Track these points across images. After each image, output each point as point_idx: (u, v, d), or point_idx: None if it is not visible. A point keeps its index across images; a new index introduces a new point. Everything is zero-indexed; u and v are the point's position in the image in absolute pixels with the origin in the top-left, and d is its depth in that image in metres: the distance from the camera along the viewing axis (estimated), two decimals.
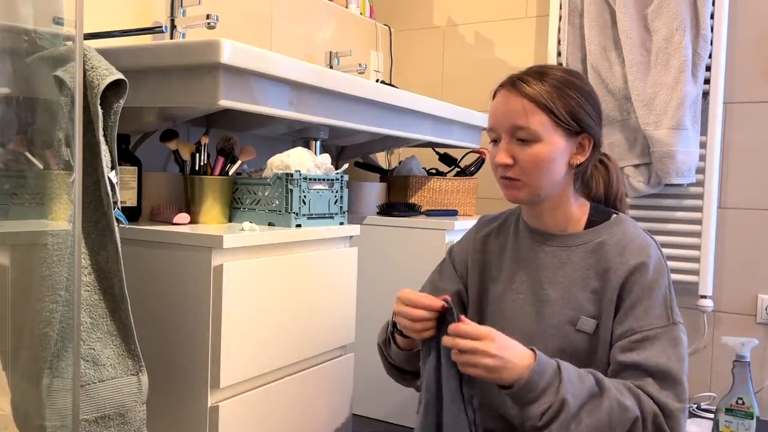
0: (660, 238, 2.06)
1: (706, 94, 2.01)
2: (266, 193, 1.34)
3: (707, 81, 2.00)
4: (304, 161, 1.34)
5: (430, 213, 1.96)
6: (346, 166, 1.51)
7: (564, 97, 1.05)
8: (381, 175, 2.18)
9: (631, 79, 1.99)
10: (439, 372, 1.02)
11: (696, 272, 2.03)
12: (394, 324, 1.15)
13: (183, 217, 1.29)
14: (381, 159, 2.54)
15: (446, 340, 0.98)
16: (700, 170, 2.02)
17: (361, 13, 2.45)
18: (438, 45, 2.56)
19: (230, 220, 1.39)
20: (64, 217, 0.93)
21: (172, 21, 1.60)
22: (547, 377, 0.95)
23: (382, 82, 2.47)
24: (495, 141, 1.10)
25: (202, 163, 1.35)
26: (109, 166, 0.98)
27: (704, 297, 2.01)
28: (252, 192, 1.36)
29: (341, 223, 1.42)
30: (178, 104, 1.20)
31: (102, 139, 0.97)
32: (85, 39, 0.97)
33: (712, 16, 1.97)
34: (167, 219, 1.29)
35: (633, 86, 1.99)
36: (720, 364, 2.06)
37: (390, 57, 2.61)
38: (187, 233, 1.16)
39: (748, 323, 2.02)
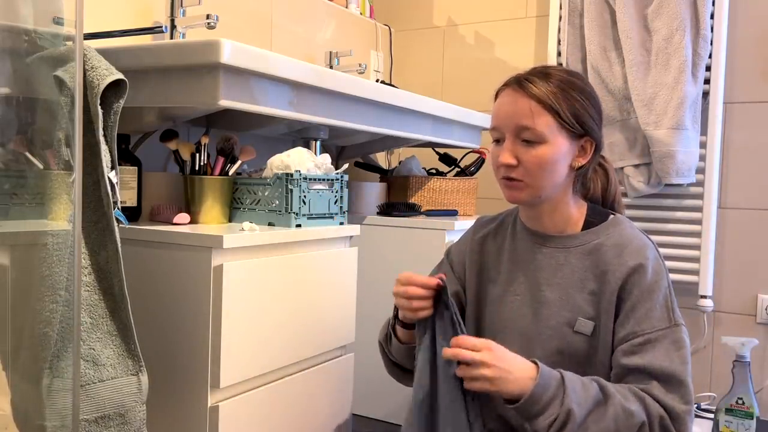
0: (660, 238, 2.06)
1: (706, 94, 2.01)
2: (266, 193, 1.34)
3: (707, 81, 2.00)
4: (304, 161, 1.34)
5: (430, 213, 1.96)
6: (346, 166, 1.51)
7: (569, 99, 1.05)
8: (381, 175, 2.18)
9: (631, 79, 1.99)
10: (434, 351, 1.04)
11: (696, 272, 2.03)
12: (395, 317, 1.15)
13: (183, 217, 1.29)
14: (381, 159, 2.54)
15: (447, 352, 0.99)
16: (700, 170, 2.02)
17: (361, 13, 2.45)
18: (438, 45, 2.56)
19: (230, 220, 1.39)
20: (64, 217, 0.93)
21: (172, 21, 1.60)
22: (551, 389, 0.96)
23: (382, 82, 2.47)
24: (498, 141, 1.10)
25: (202, 163, 1.35)
26: (109, 166, 0.98)
27: (704, 297, 2.01)
28: (252, 192, 1.36)
29: (341, 223, 1.42)
30: (178, 104, 1.20)
31: (102, 139, 0.97)
32: (85, 39, 0.97)
33: (712, 16, 1.97)
34: (167, 219, 1.29)
35: (633, 86, 1.99)
36: (720, 364, 2.06)
37: (390, 57, 2.61)
38: (187, 233, 1.16)
39: (748, 323, 2.03)
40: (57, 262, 0.92)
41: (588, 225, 1.12)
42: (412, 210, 1.92)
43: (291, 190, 1.30)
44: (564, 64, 2.14)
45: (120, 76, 0.98)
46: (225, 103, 1.15)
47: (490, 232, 1.22)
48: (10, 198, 0.95)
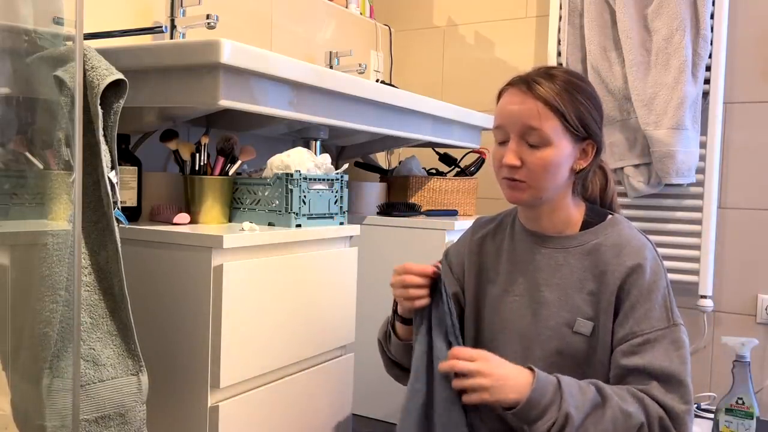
0: (660, 238, 2.06)
1: (706, 94, 2.01)
2: (266, 193, 1.34)
3: (707, 81, 2.00)
4: (304, 161, 1.34)
5: (430, 213, 1.96)
6: (346, 166, 1.51)
7: (575, 102, 1.05)
8: (381, 175, 2.18)
9: (631, 79, 1.99)
10: (431, 341, 1.05)
11: (696, 272, 2.02)
12: (394, 313, 1.15)
13: (183, 217, 1.29)
14: (381, 159, 2.54)
15: (443, 366, 1.00)
16: (700, 170, 2.02)
17: (361, 13, 2.45)
18: (438, 45, 2.56)
19: (230, 220, 1.39)
20: (64, 217, 0.93)
21: (172, 21, 1.60)
22: (549, 394, 0.96)
23: (382, 82, 2.47)
24: (501, 141, 1.10)
25: (202, 163, 1.35)
26: (109, 166, 0.98)
27: (704, 297, 2.01)
28: (252, 192, 1.36)
29: (341, 223, 1.42)
30: (178, 104, 1.20)
31: (102, 139, 0.97)
32: (85, 39, 0.97)
33: (712, 16, 1.97)
34: (167, 219, 1.29)
35: (633, 86, 1.99)
36: (720, 364, 2.06)
37: (390, 57, 2.61)
38: (187, 233, 1.16)
39: (748, 323, 2.02)
40: (57, 262, 0.92)
41: (586, 225, 1.12)
42: (412, 210, 1.92)
43: (291, 190, 1.30)
44: (564, 64, 2.14)
45: (120, 76, 0.98)
46: (225, 103, 1.15)
47: (489, 232, 1.22)
48: (10, 198, 0.95)
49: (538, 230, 1.14)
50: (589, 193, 1.18)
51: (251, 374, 1.19)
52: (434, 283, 1.06)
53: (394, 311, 1.16)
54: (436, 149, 2.17)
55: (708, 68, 1.99)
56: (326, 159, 1.40)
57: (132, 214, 1.31)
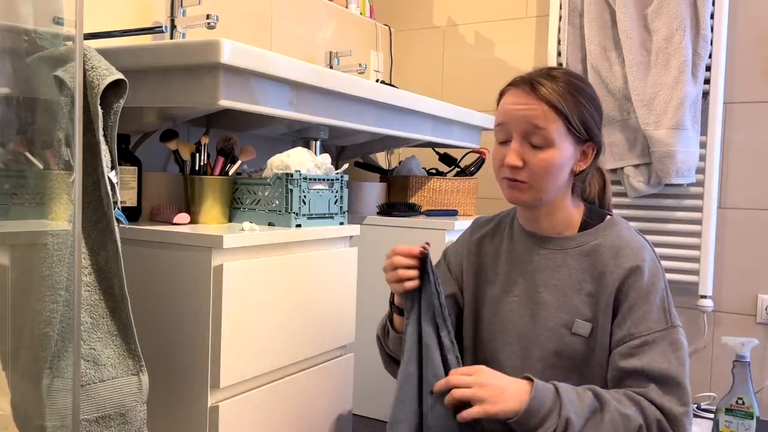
0: (660, 238, 2.06)
1: (706, 94, 2.01)
2: (266, 193, 1.34)
3: (707, 81, 2.00)
4: (304, 161, 1.34)
5: (430, 213, 1.96)
6: (346, 166, 1.51)
7: (578, 105, 1.06)
8: (381, 175, 2.18)
9: (631, 79, 1.99)
10: (420, 324, 1.06)
11: (696, 272, 2.03)
12: (391, 303, 1.15)
13: (183, 217, 1.29)
14: (381, 159, 2.54)
15: (439, 384, 1.00)
16: (700, 170, 2.02)
17: (361, 13, 2.45)
18: (438, 45, 2.56)
19: (230, 220, 1.39)
20: (64, 217, 0.93)
21: (172, 21, 1.60)
22: (548, 402, 0.96)
23: (382, 82, 2.47)
24: (503, 141, 1.09)
25: (202, 163, 1.35)
26: (109, 166, 0.98)
27: (704, 297, 2.01)
28: (252, 192, 1.36)
29: (341, 223, 1.42)
30: (178, 104, 1.20)
31: (102, 139, 0.97)
32: (85, 39, 0.97)
33: (712, 16, 1.97)
34: (167, 219, 1.29)
35: (633, 86, 1.99)
36: (720, 364, 2.06)
37: (390, 57, 2.61)
38: (187, 233, 1.16)
39: (748, 323, 2.02)
40: (57, 262, 0.92)
41: (585, 226, 1.12)
42: (412, 210, 1.92)
43: (291, 190, 1.30)
44: (564, 64, 2.15)
45: (120, 76, 0.98)
46: (225, 103, 1.15)
47: (488, 233, 1.22)
48: (10, 198, 0.95)
49: (537, 231, 1.14)
50: (587, 194, 1.18)
51: (251, 374, 1.19)
52: (423, 266, 1.07)
53: (391, 303, 1.16)
54: (436, 149, 2.17)
55: (708, 68, 2.00)
56: (326, 159, 1.40)
57: (132, 214, 1.31)
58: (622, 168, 2.05)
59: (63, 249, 0.93)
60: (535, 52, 2.36)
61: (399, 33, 2.63)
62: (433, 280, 1.06)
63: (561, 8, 2.17)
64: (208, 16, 1.55)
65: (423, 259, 1.07)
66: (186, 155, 1.35)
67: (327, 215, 1.39)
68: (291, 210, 1.30)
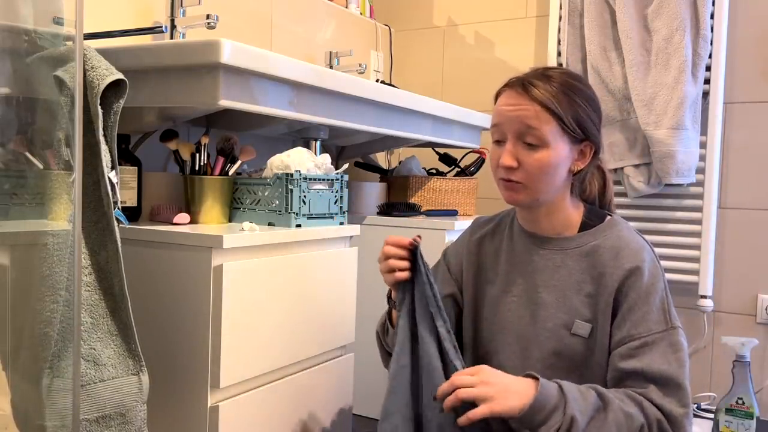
0: (660, 238, 2.06)
1: (706, 94, 2.01)
2: (266, 193, 1.34)
3: (707, 81, 2.00)
4: (304, 161, 1.34)
5: (430, 213, 1.96)
6: (346, 166, 1.51)
7: (573, 104, 1.05)
8: (381, 175, 2.18)
9: (631, 79, 1.99)
10: (413, 316, 1.06)
11: (696, 272, 2.03)
12: (388, 298, 1.16)
13: (183, 217, 1.29)
14: (381, 159, 2.54)
15: (443, 387, 0.99)
16: (700, 170, 2.02)
17: (361, 13, 2.45)
18: (438, 45, 2.56)
19: (230, 220, 1.39)
20: (64, 217, 0.93)
21: (172, 21, 1.60)
22: (553, 399, 0.96)
23: (382, 82, 2.47)
24: (498, 141, 1.10)
25: (202, 163, 1.35)
26: (109, 166, 0.98)
27: (704, 297, 2.01)
28: (252, 192, 1.36)
29: (341, 223, 1.42)
30: (178, 104, 1.20)
31: (102, 139, 0.97)
32: (85, 39, 0.97)
33: (712, 16, 1.97)
34: (167, 219, 1.29)
35: (633, 86, 1.99)
36: (720, 364, 2.06)
37: (390, 57, 2.61)
38: (187, 233, 1.16)
39: (748, 323, 2.03)
40: (57, 262, 0.93)
41: (585, 226, 1.12)
42: (412, 210, 1.92)
43: (291, 190, 1.30)
44: (564, 64, 2.15)
45: (120, 76, 0.98)
46: (225, 103, 1.15)
47: (488, 233, 1.22)
48: (10, 198, 0.95)
49: (537, 231, 1.14)
50: (587, 194, 1.18)
51: (251, 374, 1.19)
52: (414, 258, 1.07)
53: (389, 298, 1.16)
54: (436, 149, 2.17)
55: (708, 68, 2.00)
56: (326, 159, 1.40)
57: (132, 214, 1.31)
58: (622, 168, 2.05)
59: (63, 249, 0.93)
60: (535, 52, 2.36)
61: (399, 33, 2.63)
62: (424, 272, 1.06)
63: (561, 8, 2.17)
64: (208, 16, 1.55)
65: (414, 251, 1.07)
66: (186, 155, 1.35)
67: (327, 215, 1.39)
68: (291, 210, 1.30)
